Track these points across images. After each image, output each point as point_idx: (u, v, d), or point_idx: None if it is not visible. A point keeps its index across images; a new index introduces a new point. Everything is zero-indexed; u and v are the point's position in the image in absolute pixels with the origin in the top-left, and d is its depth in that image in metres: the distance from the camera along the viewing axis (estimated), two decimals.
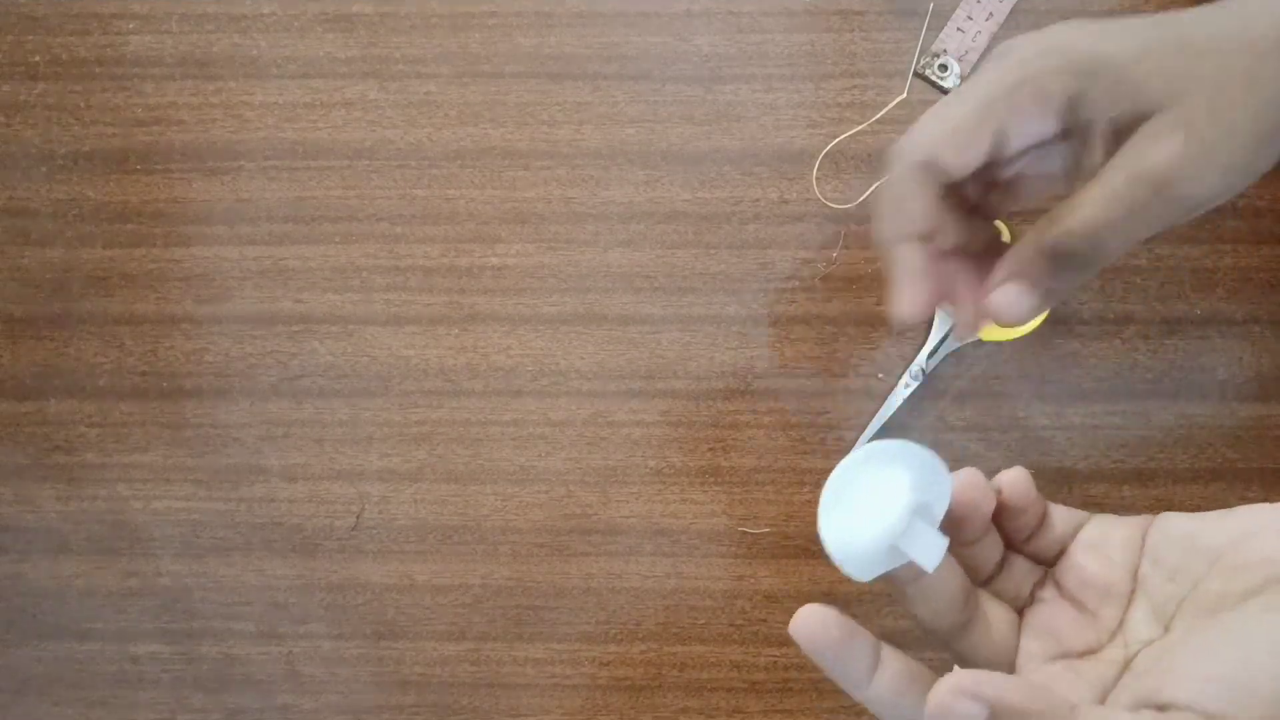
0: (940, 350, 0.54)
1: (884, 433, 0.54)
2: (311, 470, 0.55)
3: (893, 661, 0.29)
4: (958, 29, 0.54)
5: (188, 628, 0.56)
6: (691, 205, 0.55)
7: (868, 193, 0.54)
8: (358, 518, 0.55)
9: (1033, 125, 0.35)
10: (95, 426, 0.56)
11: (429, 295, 0.55)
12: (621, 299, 0.55)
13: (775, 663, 0.55)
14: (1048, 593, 0.32)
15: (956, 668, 0.26)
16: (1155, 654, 0.28)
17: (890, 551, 0.29)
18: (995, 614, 0.32)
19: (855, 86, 0.54)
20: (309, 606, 0.56)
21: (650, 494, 0.55)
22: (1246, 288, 0.54)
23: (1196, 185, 0.32)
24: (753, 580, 0.55)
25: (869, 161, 0.54)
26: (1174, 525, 0.30)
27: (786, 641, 0.55)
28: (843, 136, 0.54)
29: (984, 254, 0.38)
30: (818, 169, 0.54)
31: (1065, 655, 0.31)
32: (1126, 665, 0.29)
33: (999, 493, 0.31)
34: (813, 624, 0.29)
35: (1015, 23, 0.54)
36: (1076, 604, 0.31)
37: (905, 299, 0.37)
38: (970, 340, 0.54)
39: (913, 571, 0.30)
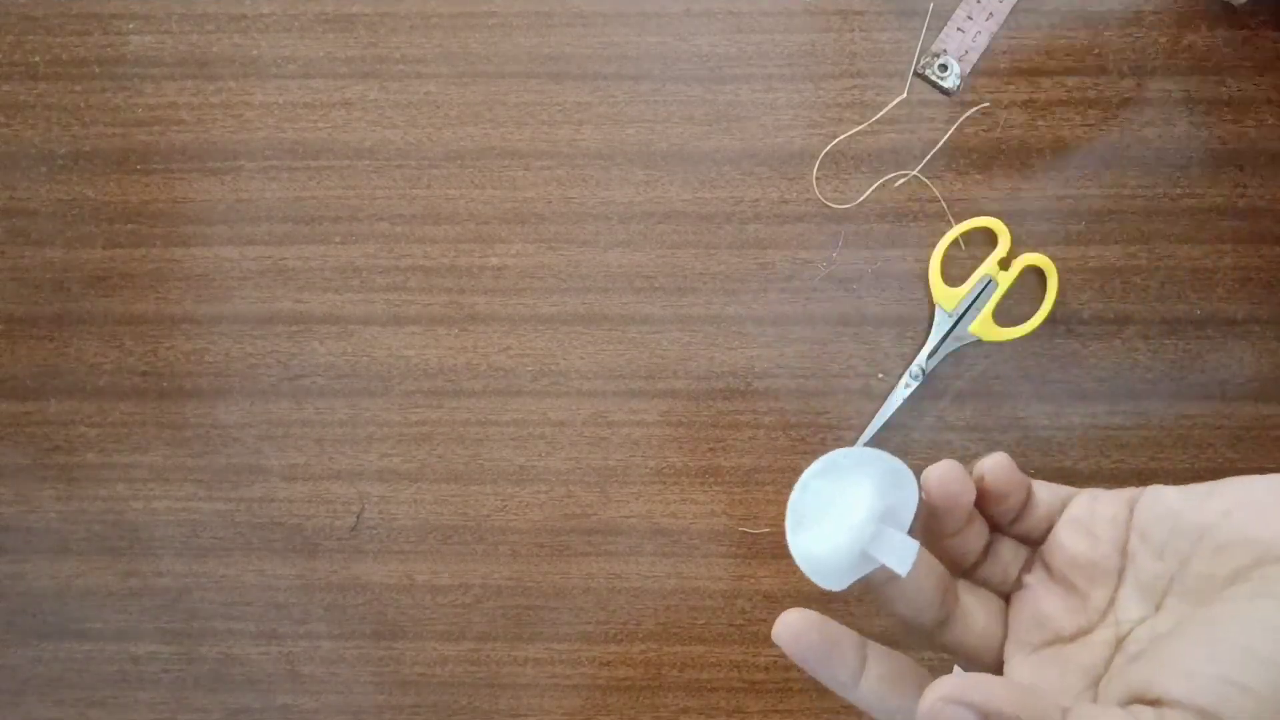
0: (940, 350, 0.54)
1: (884, 432, 0.54)
2: (311, 470, 0.55)
3: (880, 661, 0.29)
4: (958, 29, 0.54)
5: (188, 628, 0.56)
6: (691, 205, 0.55)
7: (868, 192, 0.54)
8: (358, 518, 0.55)
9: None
10: (95, 426, 0.56)
11: (429, 295, 0.55)
12: (621, 299, 0.55)
13: (775, 663, 0.55)
14: (1035, 576, 0.32)
15: (956, 669, 0.26)
16: (1146, 638, 0.28)
17: (861, 559, 0.29)
18: (978, 603, 0.32)
19: (855, 86, 0.54)
20: (309, 606, 0.56)
21: (650, 494, 0.55)
22: (1246, 288, 0.54)
23: None
24: (753, 580, 0.55)
25: (869, 161, 0.54)
26: (1161, 500, 0.30)
27: None
28: (843, 136, 0.54)
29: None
30: (818, 169, 0.54)
31: (1055, 640, 0.30)
32: (1119, 646, 0.29)
33: (981, 480, 0.31)
34: (794, 629, 0.29)
35: (1015, 23, 0.54)
36: (1065, 585, 0.31)
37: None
38: (970, 342, 0.54)
39: (886, 574, 0.30)
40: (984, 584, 0.32)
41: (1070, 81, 0.54)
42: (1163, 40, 0.54)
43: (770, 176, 0.54)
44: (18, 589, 0.56)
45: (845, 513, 0.29)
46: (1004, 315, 0.54)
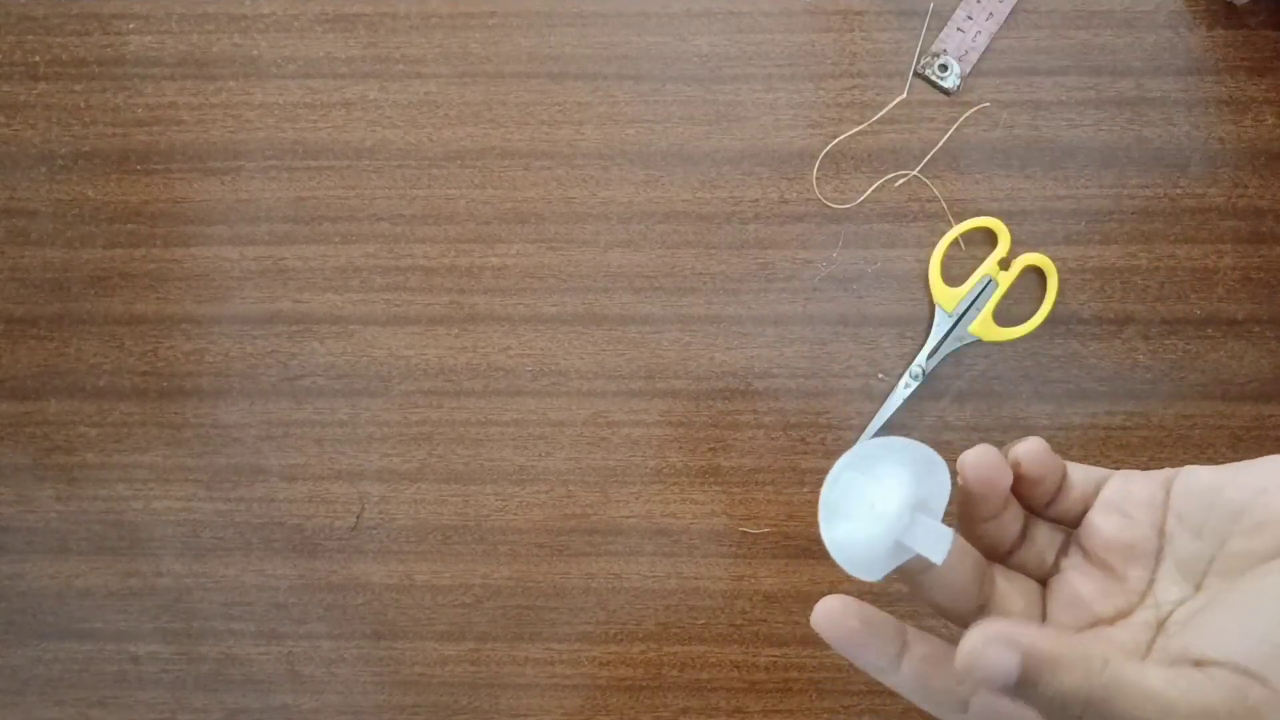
0: (940, 350, 0.54)
1: (884, 432, 0.54)
2: (311, 470, 0.55)
3: (919, 645, 0.29)
4: (958, 29, 0.54)
5: (188, 628, 0.56)
6: (691, 205, 0.55)
7: (868, 192, 0.54)
8: (358, 518, 0.55)
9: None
10: (95, 426, 0.56)
11: (429, 295, 0.55)
12: (621, 299, 0.55)
13: (775, 663, 0.55)
14: (1072, 560, 0.31)
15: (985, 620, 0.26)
16: (1188, 613, 0.28)
17: (895, 549, 0.29)
18: (1014, 589, 0.31)
19: (855, 86, 0.54)
20: (309, 606, 0.56)
21: (650, 494, 0.55)
22: (1246, 288, 0.54)
23: None
24: (753, 580, 0.55)
25: (869, 161, 0.54)
26: (1197, 479, 0.29)
27: (786, 641, 0.55)
28: (843, 136, 0.54)
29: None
30: (818, 169, 0.54)
31: (1095, 623, 0.30)
32: (1160, 627, 0.28)
33: (1016, 464, 0.31)
34: (832, 616, 0.29)
35: (1015, 23, 0.54)
36: (1103, 568, 0.30)
37: None
38: (970, 342, 0.54)
39: (922, 563, 0.29)
40: (1020, 569, 0.32)
41: (1070, 81, 0.54)
42: (1162, 40, 0.54)
43: (770, 176, 0.54)
44: (18, 589, 0.56)
45: (878, 503, 0.29)
46: (1004, 315, 0.54)
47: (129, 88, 0.56)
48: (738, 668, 0.55)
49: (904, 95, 0.54)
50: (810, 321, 0.55)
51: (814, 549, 0.55)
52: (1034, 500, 0.32)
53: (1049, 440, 0.55)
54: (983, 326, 0.53)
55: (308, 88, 0.55)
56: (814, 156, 0.54)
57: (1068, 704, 0.24)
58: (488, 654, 0.55)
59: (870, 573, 0.29)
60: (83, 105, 0.56)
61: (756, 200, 0.55)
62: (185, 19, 0.55)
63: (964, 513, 0.31)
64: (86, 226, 0.56)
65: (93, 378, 0.56)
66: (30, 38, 0.56)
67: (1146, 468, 0.55)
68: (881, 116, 0.54)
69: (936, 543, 0.28)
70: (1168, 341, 0.54)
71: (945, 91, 0.54)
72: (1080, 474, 0.32)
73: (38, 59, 0.56)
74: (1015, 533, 0.32)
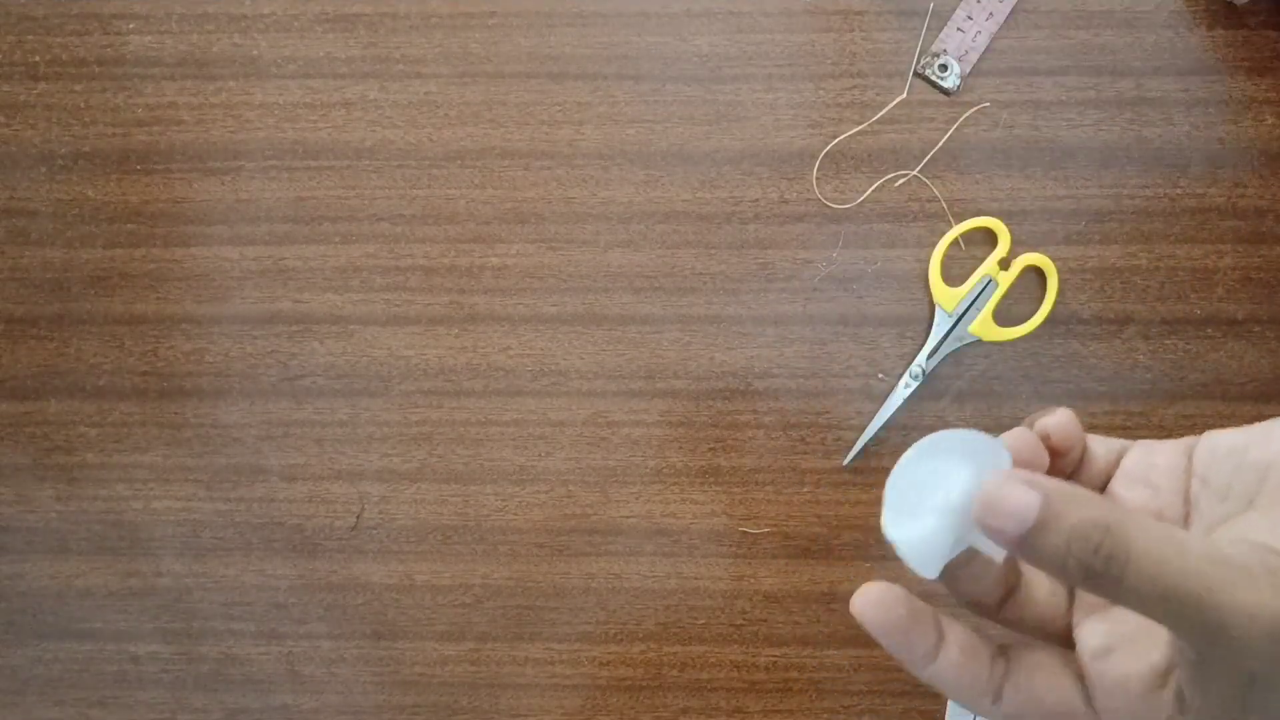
0: (940, 350, 0.54)
1: (884, 432, 0.54)
2: (311, 470, 0.55)
3: (956, 636, 0.28)
4: (958, 29, 0.54)
5: (188, 628, 0.56)
6: (691, 205, 0.55)
7: (868, 192, 0.54)
8: (358, 518, 0.55)
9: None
10: (95, 426, 0.56)
11: (429, 295, 0.55)
12: (621, 299, 0.55)
13: (775, 663, 0.55)
14: None
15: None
16: None
17: (955, 545, 0.28)
18: (1039, 573, 0.31)
19: (855, 86, 0.54)
20: (309, 606, 0.56)
21: (650, 494, 0.55)
22: (1246, 288, 0.54)
23: None
24: (753, 580, 0.55)
25: (869, 161, 0.54)
26: (1220, 442, 0.29)
27: (786, 641, 0.55)
28: (843, 136, 0.54)
29: None
30: (818, 169, 0.54)
31: None
32: None
33: (1046, 437, 0.30)
34: (879, 605, 0.28)
35: (1015, 23, 0.54)
36: None
37: None
38: (970, 342, 0.54)
39: (966, 556, 0.29)
40: None
41: (1070, 81, 0.54)
42: (1162, 40, 0.54)
43: (770, 176, 0.54)
44: (18, 589, 0.56)
45: (945, 498, 0.28)
46: (1004, 315, 0.54)
47: (129, 88, 0.56)
48: (738, 668, 0.55)
49: (904, 95, 0.54)
50: (810, 321, 0.55)
51: (814, 549, 0.55)
52: (1056, 474, 0.31)
53: None
54: (983, 326, 0.53)
55: (308, 88, 0.55)
56: (814, 156, 0.54)
57: (1088, 535, 0.24)
58: (488, 654, 0.55)
59: (930, 569, 0.28)
60: (83, 105, 0.56)
61: (756, 200, 0.55)
62: (185, 19, 0.55)
63: None
64: (86, 226, 0.56)
65: (93, 378, 0.56)
66: (30, 38, 0.56)
67: None
68: (881, 116, 0.54)
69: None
70: (1168, 341, 0.54)
71: (945, 91, 0.54)
72: (1100, 445, 0.31)
73: (38, 59, 0.56)
74: None
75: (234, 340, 0.55)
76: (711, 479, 0.55)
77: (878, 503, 0.55)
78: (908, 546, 0.28)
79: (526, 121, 0.55)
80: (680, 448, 0.55)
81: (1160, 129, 0.54)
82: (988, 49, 0.54)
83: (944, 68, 0.54)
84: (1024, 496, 0.24)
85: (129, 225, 0.56)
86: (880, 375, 0.54)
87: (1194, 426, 0.54)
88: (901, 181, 0.54)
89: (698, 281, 0.55)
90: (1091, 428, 0.54)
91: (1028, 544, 0.25)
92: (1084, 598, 0.30)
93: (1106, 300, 0.54)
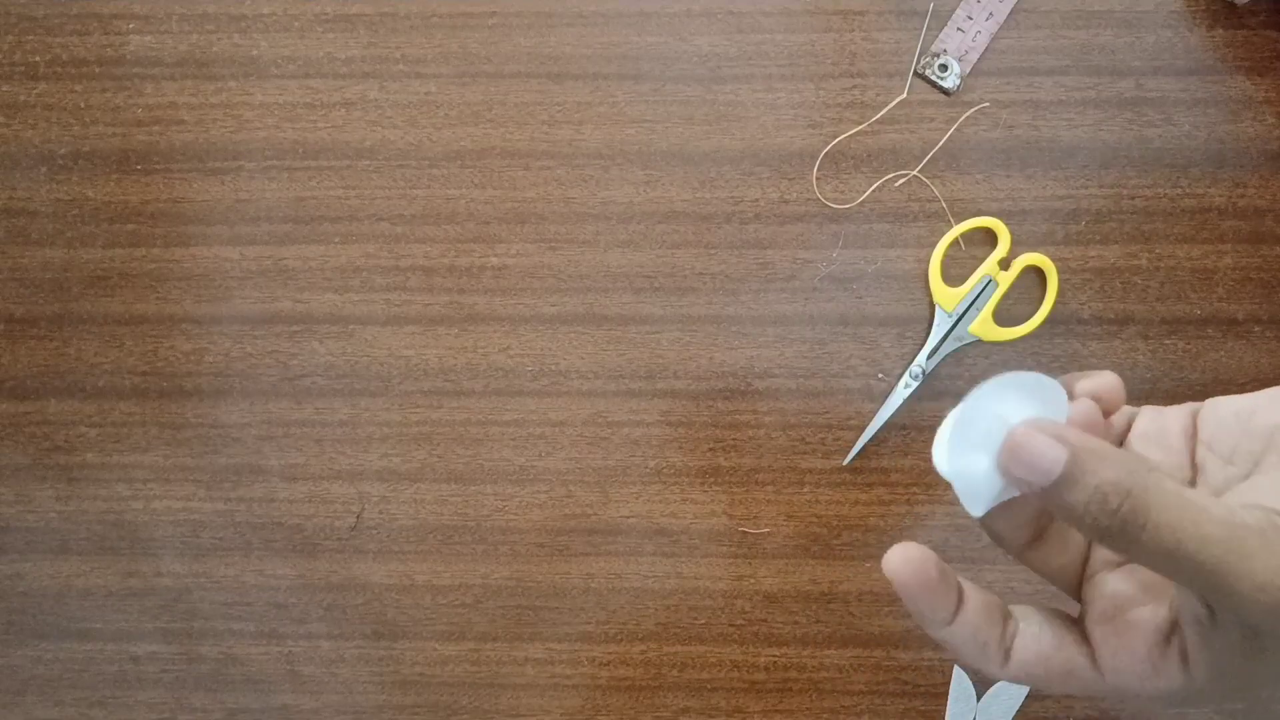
0: (940, 350, 0.54)
1: (884, 432, 0.54)
2: (311, 470, 0.55)
3: (973, 598, 0.29)
4: (958, 29, 0.54)
5: (188, 628, 0.56)
6: (691, 205, 0.55)
7: (868, 192, 0.54)
8: (358, 518, 0.55)
9: None
10: (95, 426, 0.56)
11: (429, 295, 0.55)
12: (621, 299, 0.55)
13: (775, 663, 0.55)
14: None
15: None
16: None
17: (1007, 486, 0.28)
18: (1060, 525, 0.31)
19: (855, 86, 0.54)
20: (309, 606, 0.56)
21: (650, 494, 0.55)
22: (1246, 288, 0.54)
23: None
24: (753, 580, 0.55)
25: (869, 161, 0.54)
26: (1224, 407, 0.30)
27: (786, 641, 0.55)
28: (843, 136, 0.54)
29: None
30: (818, 169, 0.54)
31: None
32: None
33: (1098, 399, 0.30)
34: (913, 564, 0.28)
35: (1015, 22, 0.54)
36: None
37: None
38: (970, 342, 0.54)
39: (1008, 494, 0.29)
40: None
41: (1070, 81, 0.54)
42: (1162, 40, 0.54)
43: (770, 176, 0.54)
44: (18, 589, 0.56)
45: (997, 439, 0.27)
46: (1004, 315, 0.54)
47: (129, 88, 0.56)
48: (738, 668, 0.55)
49: (904, 95, 0.54)
50: (810, 321, 0.55)
51: (814, 549, 0.55)
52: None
53: None
54: (983, 326, 0.53)
55: (308, 88, 0.55)
56: (814, 156, 0.54)
57: (1108, 497, 0.24)
58: (488, 654, 0.55)
59: (981, 505, 0.29)
60: (83, 105, 0.56)
61: (756, 200, 0.55)
62: (185, 19, 0.55)
63: None
64: (86, 226, 0.56)
65: (93, 378, 0.56)
66: (30, 38, 0.56)
67: None
68: (881, 116, 0.54)
69: None
70: (1168, 341, 0.54)
71: (945, 91, 0.54)
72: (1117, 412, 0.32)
73: (38, 59, 0.56)
74: None
75: (234, 340, 0.55)
76: (711, 479, 0.55)
77: (878, 503, 0.56)
78: (962, 480, 0.28)
79: (526, 121, 0.55)
80: (680, 448, 0.55)
81: (1160, 129, 0.54)
82: (988, 49, 0.54)
83: (944, 68, 0.54)
84: (1050, 451, 0.25)
85: (129, 225, 0.56)
86: (880, 375, 0.54)
87: None
88: (901, 181, 0.54)
89: (698, 281, 0.55)
90: None
91: (1050, 497, 0.25)
92: (1098, 552, 0.31)
93: (1106, 300, 0.54)
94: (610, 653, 0.55)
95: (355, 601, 0.56)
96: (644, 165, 0.55)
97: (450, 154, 0.55)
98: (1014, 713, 0.54)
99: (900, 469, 0.54)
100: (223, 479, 0.56)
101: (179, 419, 0.56)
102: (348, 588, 0.56)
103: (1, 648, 0.57)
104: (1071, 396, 0.30)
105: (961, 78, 0.54)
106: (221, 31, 0.55)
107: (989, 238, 0.54)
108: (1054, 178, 0.54)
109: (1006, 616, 0.29)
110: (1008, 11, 0.54)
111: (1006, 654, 0.29)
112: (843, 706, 0.55)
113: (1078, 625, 0.30)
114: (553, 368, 0.55)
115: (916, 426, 0.54)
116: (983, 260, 0.54)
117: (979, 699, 0.54)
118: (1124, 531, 0.24)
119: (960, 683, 0.54)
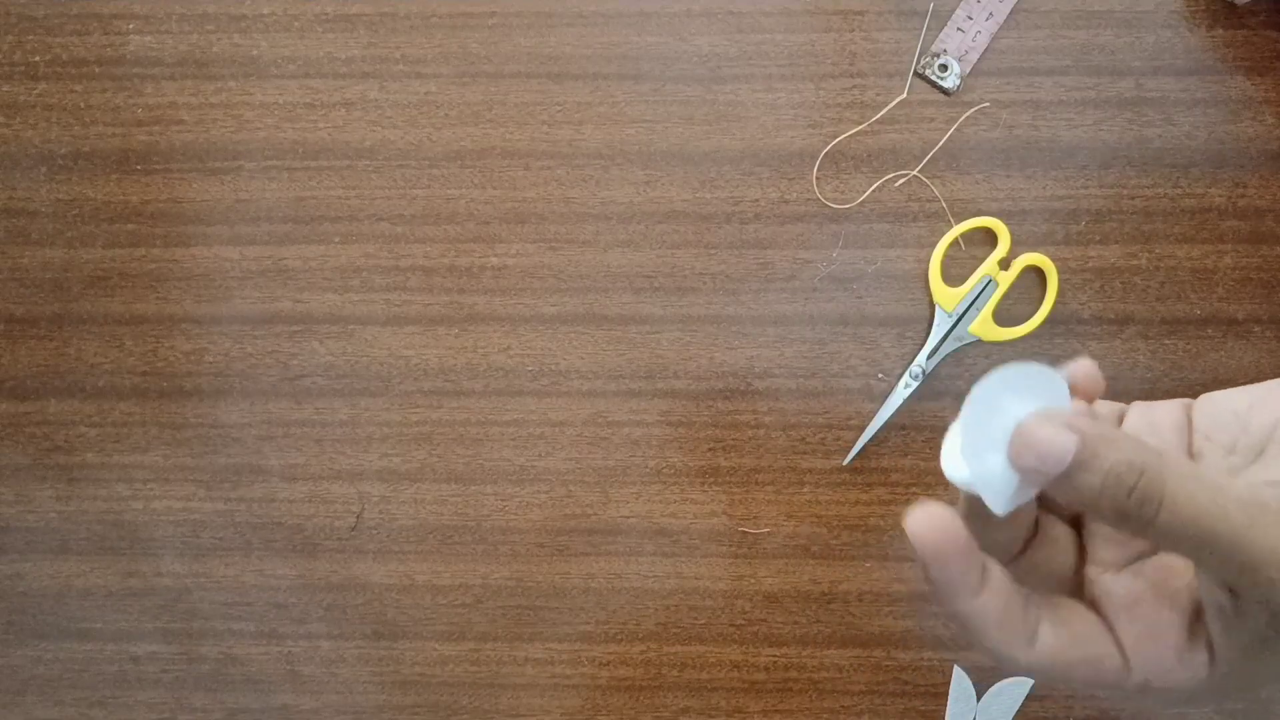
0: (940, 350, 0.54)
1: (884, 432, 0.54)
2: (311, 470, 0.55)
3: (997, 573, 0.27)
4: (958, 29, 0.54)
5: (188, 628, 0.56)
6: (691, 205, 0.55)
7: (868, 192, 0.54)
8: (358, 518, 0.55)
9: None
10: (95, 426, 0.56)
11: (429, 295, 0.55)
12: (621, 299, 0.55)
13: (775, 663, 0.55)
14: None
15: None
16: None
17: (1022, 487, 0.27)
18: (1056, 530, 0.31)
19: (855, 86, 0.54)
20: (309, 606, 0.56)
21: (650, 494, 0.55)
22: (1246, 288, 0.54)
23: None
24: (753, 580, 0.55)
25: (869, 161, 0.54)
26: (1220, 403, 0.29)
27: (786, 641, 0.55)
28: (843, 136, 0.54)
29: None
30: (818, 169, 0.54)
31: (1137, 556, 0.29)
32: None
33: (1075, 386, 0.29)
34: (937, 526, 0.26)
35: (1015, 23, 0.54)
36: None
37: None
38: (970, 342, 0.54)
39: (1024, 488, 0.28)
40: (1050, 511, 0.31)
41: (1070, 81, 0.54)
42: (1162, 40, 0.54)
43: (770, 176, 0.54)
44: (18, 589, 0.56)
45: (1004, 436, 0.27)
46: (1004, 315, 0.54)
47: (129, 88, 0.56)
48: (738, 668, 0.55)
49: (904, 95, 0.54)
50: (810, 321, 0.55)
51: (814, 549, 0.55)
52: None
53: None
54: (983, 326, 0.53)
55: (308, 88, 0.55)
56: (814, 156, 0.54)
57: (1122, 476, 0.24)
58: (488, 654, 0.55)
59: (1004, 503, 0.27)
60: (83, 105, 0.56)
61: (756, 200, 0.55)
62: (185, 19, 0.55)
63: None
64: (86, 226, 0.56)
65: (93, 378, 0.56)
66: (30, 38, 0.56)
67: None
68: (881, 116, 0.54)
69: None
70: (1168, 341, 0.54)
71: (945, 91, 0.54)
72: (1103, 407, 0.31)
73: (38, 59, 0.56)
74: None
75: (234, 340, 0.55)
76: (711, 479, 0.55)
77: (878, 503, 0.56)
78: (982, 483, 0.27)
79: (526, 121, 0.55)
80: (680, 448, 0.55)
81: (1160, 129, 0.54)
82: (988, 49, 0.54)
83: (944, 68, 0.54)
84: (1060, 438, 0.25)
85: (129, 225, 0.56)
86: (880, 375, 0.54)
87: None
88: (901, 181, 0.54)
89: (698, 281, 0.55)
90: None
91: (1064, 484, 0.25)
92: (1095, 555, 0.30)
93: (1106, 300, 0.54)
94: (610, 653, 0.55)
95: (355, 601, 0.56)
96: (644, 165, 0.55)
97: (450, 154, 0.55)
98: (1014, 713, 0.54)
99: (900, 469, 0.54)
100: (223, 479, 0.56)
101: (179, 419, 0.56)
102: (348, 588, 0.56)
103: (1, 648, 0.57)
104: None
105: (961, 78, 0.54)
106: (221, 31, 0.55)
107: (989, 238, 0.54)
108: (1054, 178, 0.54)
109: (1030, 600, 0.28)
110: (1008, 11, 0.54)
111: (1032, 637, 0.27)
112: (843, 706, 0.55)
113: (1102, 617, 0.29)
114: (553, 368, 0.55)
115: (916, 426, 0.54)
116: (983, 260, 0.54)
117: (979, 699, 0.54)
118: (1141, 509, 0.24)
119: (960, 683, 0.54)
